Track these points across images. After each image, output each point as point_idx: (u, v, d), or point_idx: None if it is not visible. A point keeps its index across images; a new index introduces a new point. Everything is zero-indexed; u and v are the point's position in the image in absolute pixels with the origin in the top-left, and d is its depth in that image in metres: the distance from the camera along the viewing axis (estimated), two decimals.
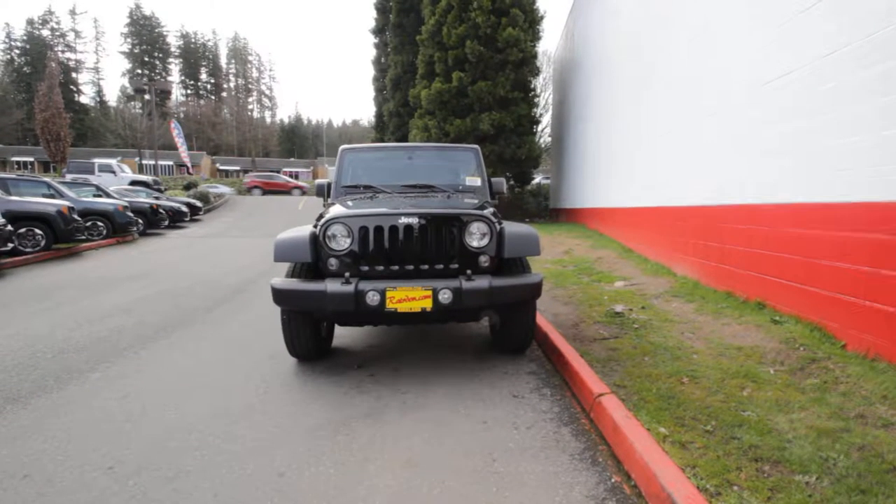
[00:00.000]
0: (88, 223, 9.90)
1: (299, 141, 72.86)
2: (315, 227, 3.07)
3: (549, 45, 35.97)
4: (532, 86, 13.90)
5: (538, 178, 19.64)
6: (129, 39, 61.39)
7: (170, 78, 62.76)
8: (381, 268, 2.95)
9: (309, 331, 3.10)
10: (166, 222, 13.41)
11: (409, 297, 2.75)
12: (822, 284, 3.11)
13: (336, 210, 3.21)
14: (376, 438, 2.23)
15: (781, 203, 3.60)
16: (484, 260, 3.02)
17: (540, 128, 16.37)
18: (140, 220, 11.66)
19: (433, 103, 13.57)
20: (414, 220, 2.95)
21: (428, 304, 2.76)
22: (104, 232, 10.17)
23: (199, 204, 17.52)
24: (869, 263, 2.72)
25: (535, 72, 13.79)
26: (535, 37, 13.51)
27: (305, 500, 1.77)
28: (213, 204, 20.57)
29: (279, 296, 2.83)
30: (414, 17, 16.45)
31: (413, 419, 2.43)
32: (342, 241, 2.95)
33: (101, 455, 2.09)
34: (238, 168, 54.32)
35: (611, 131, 9.06)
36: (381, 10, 20.24)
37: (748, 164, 4.17)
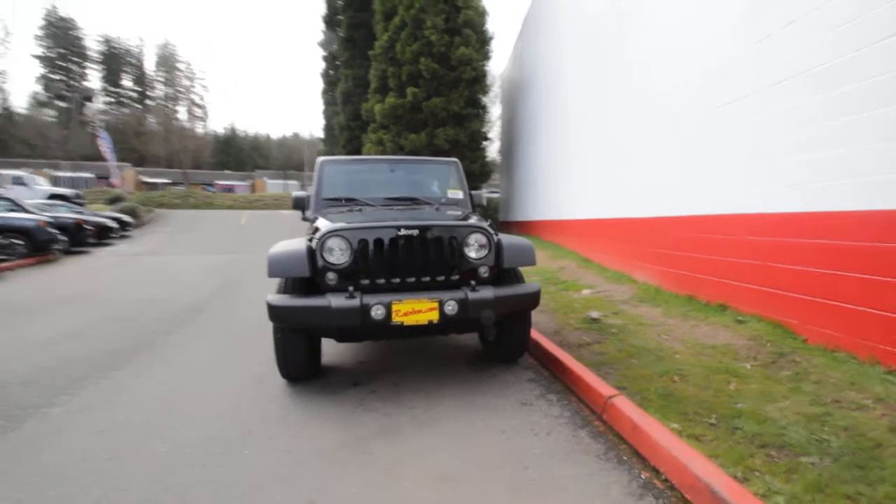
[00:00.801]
0: (3, 241, 8.81)
1: (234, 153, 69.59)
2: (310, 240, 2.97)
3: (495, 64, 37.30)
4: (483, 103, 14.30)
5: (484, 192, 20.05)
6: (43, 42, 55.92)
7: (88, 84, 57.77)
8: (383, 281, 2.89)
9: (304, 349, 2.97)
10: (92, 239, 12.23)
11: (416, 310, 2.72)
12: (782, 286, 3.46)
13: (327, 223, 3.12)
14: (400, 456, 2.17)
15: (740, 214, 3.98)
16: (483, 271, 3.05)
17: (490, 144, 16.81)
18: (64, 238, 10.54)
19: (387, 117, 13.57)
20: (414, 232, 2.94)
21: (434, 316, 2.74)
22: (22, 251, 9.08)
23: (127, 219, 16.17)
24: (829, 267, 3.07)
25: (486, 90, 14.21)
26: (486, 56, 13.98)
27: None
28: (143, 219, 19.07)
29: (277, 312, 2.68)
30: (365, 32, 16.46)
31: (430, 434, 2.39)
32: (341, 255, 2.86)
33: (93, 501, 1.86)
34: (167, 181, 50.77)
35: (566, 148, 9.54)
36: (330, 23, 20.06)
37: (708, 178, 4.57)
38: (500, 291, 2.89)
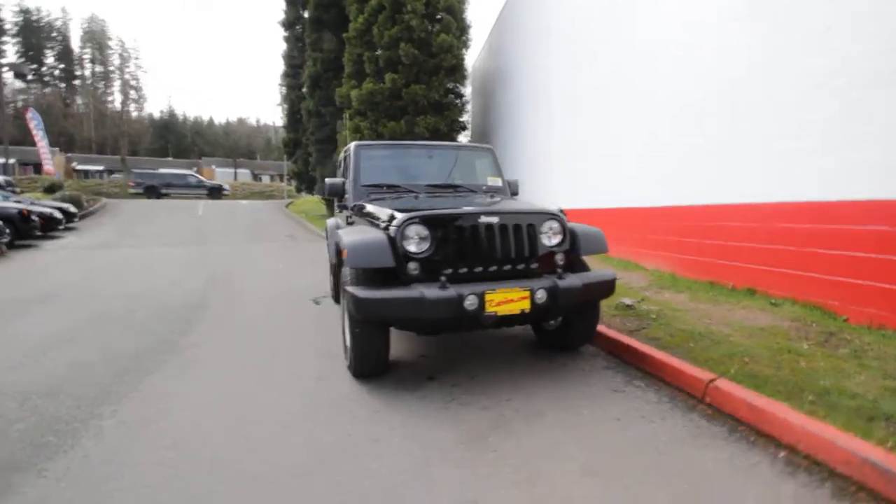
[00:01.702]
0: None
1: (175, 139, 65.07)
2: (385, 228, 2.78)
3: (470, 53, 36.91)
4: (462, 92, 14.16)
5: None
6: None
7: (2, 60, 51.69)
8: (465, 270, 2.77)
9: (382, 344, 2.79)
10: (38, 232, 11.01)
11: (508, 300, 2.63)
12: (818, 270, 3.67)
13: (388, 210, 2.94)
14: (526, 450, 2.09)
15: (770, 202, 4.16)
16: (560, 258, 3.00)
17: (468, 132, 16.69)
18: (7, 230, 9.40)
19: (364, 104, 13.11)
20: (495, 220, 2.84)
21: (526, 306, 2.66)
22: None
23: (73, 209, 14.71)
24: (869, 251, 3.27)
25: (465, 79, 14.08)
26: (465, 45, 13.82)
27: None
28: (87, 209, 17.44)
29: (366, 305, 2.49)
30: (336, 13, 15.75)
31: (543, 426, 2.32)
32: (421, 243, 2.71)
33: None
34: (101, 168, 46.73)
35: (552, 140, 9.62)
36: (293, 2, 19.01)
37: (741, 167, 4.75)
38: (586, 279, 2.86)
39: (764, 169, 4.25)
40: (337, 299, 4.99)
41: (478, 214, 2.84)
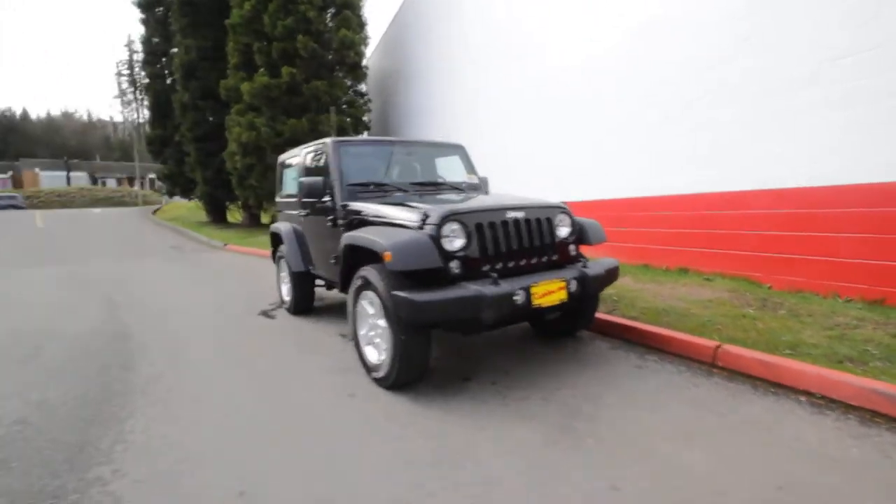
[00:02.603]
0: None
1: None
2: (420, 227, 2.64)
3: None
4: (364, 90, 13.80)
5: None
6: None
7: None
8: (501, 266, 2.77)
9: (428, 349, 2.65)
10: None
11: (549, 291, 2.70)
12: (743, 248, 4.44)
13: (417, 207, 2.82)
14: (620, 431, 2.19)
15: (697, 193, 4.89)
16: (573, 249, 3.17)
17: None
18: None
19: (258, 98, 12.01)
20: (521, 214, 2.89)
21: (564, 296, 2.77)
22: None
23: None
24: (786, 229, 4.07)
25: (366, 76, 13.73)
26: (364, 42, 13.48)
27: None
28: None
29: (423, 307, 2.35)
30: None
31: (611, 407, 2.44)
32: (457, 241, 2.64)
33: None
34: None
35: (495, 141, 9.94)
36: None
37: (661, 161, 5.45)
38: (605, 266, 3.06)
39: (691, 165, 4.99)
40: (299, 310, 4.55)
41: (505, 210, 2.86)
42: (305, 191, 3.54)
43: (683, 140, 5.05)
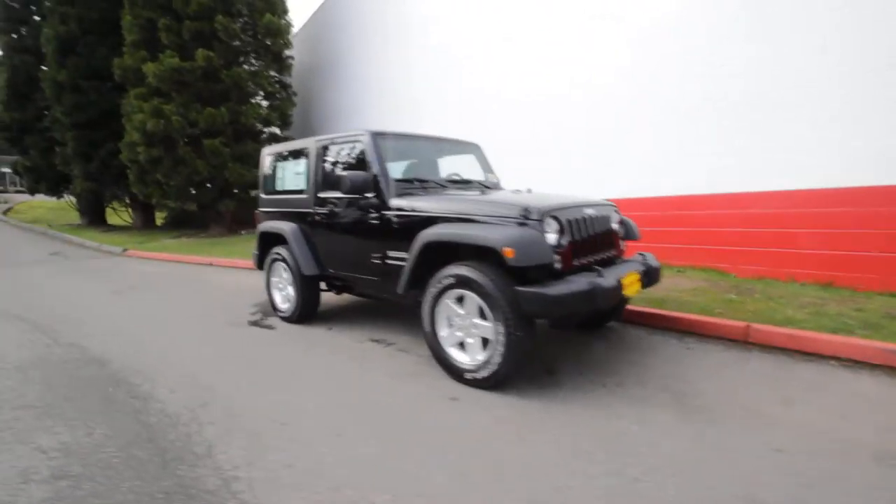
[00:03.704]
0: None
1: None
2: (522, 222, 2.64)
3: None
4: (289, 83, 12.85)
5: None
6: None
7: None
8: (585, 260, 2.89)
9: (533, 341, 2.65)
10: None
11: (632, 282, 2.89)
12: (711, 243, 5.14)
13: (513, 202, 2.82)
14: (724, 404, 2.44)
15: (671, 195, 5.53)
16: (623, 245, 3.41)
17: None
18: None
19: (167, 82, 10.52)
20: (592, 212, 3.05)
21: (639, 287, 2.99)
22: None
23: None
24: (748, 226, 4.82)
25: (291, 67, 12.81)
26: (288, 30, 12.57)
27: None
28: None
29: (558, 302, 2.39)
30: None
31: (697, 386, 2.69)
32: (555, 236, 2.71)
33: None
34: None
35: None
36: None
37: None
38: (654, 259, 3.35)
39: (666, 169, 5.62)
40: (303, 317, 4.17)
41: (582, 206, 2.99)
42: (349, 186, 3.27)
43: (640, 150, 5.68)
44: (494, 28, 7.70)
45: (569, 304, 2.43)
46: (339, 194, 3.72)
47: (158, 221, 16.30)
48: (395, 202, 3.25)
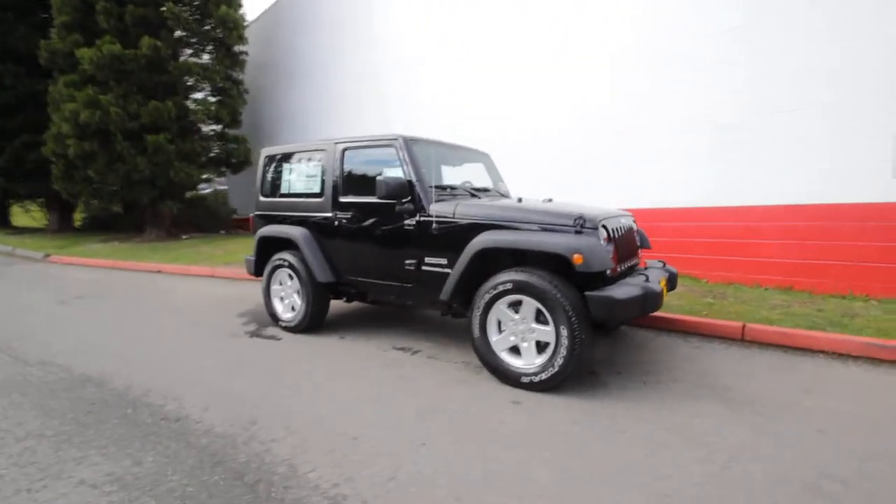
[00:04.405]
0: None
1: None
2: (578, 231, 2.76)
3: None
4: (241, 79, 12.13)
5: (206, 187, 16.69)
6: None
7: None
8: (623, 267, 3.07)
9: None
10: None
11: (662, 287, 3.12)
12: (683, 251, 5.63)
13: (562, 211, 2.94)
14: (787, 402, 2.70)
15: (645, 208, 5.97)
16: (640, 253, 3.66)
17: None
18: None
19: (105, 71, 9.52)
20: (624, 221, 3.26)
21: (666, 291, 3.22)
22: None
23: None
24: (714, 237, 5.35)
25: (245, 63, 12.12)
26: (243, 23, 11.89)
27: None
28: None
29: (626, 305, 2.56)
30: None
31: (744, 385, 2.94)
32: (606, 244, 2.86)
33: None
34: None
35: None
36: None
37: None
38: (672, 266, 3.62)
39: (644, 184, 6.07)
40: (311, 327, 3.99)
41: (618, 216, 3.19)
42: (385, 192, 3.21)
43: (619, 166, 6.13)
44: (470, 33, 7.89)
45: (633, 308, 2.59)
46: (363, 199, 3.63)
47: (76, 223, 14.58)
48: (435, 208, 3.24)
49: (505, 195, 4.13)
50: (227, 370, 3.25)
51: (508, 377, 2.84)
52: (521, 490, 1.85)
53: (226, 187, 16.58)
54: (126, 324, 4.57)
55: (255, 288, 6.32)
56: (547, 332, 2.70)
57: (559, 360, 2.63)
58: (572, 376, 2.73)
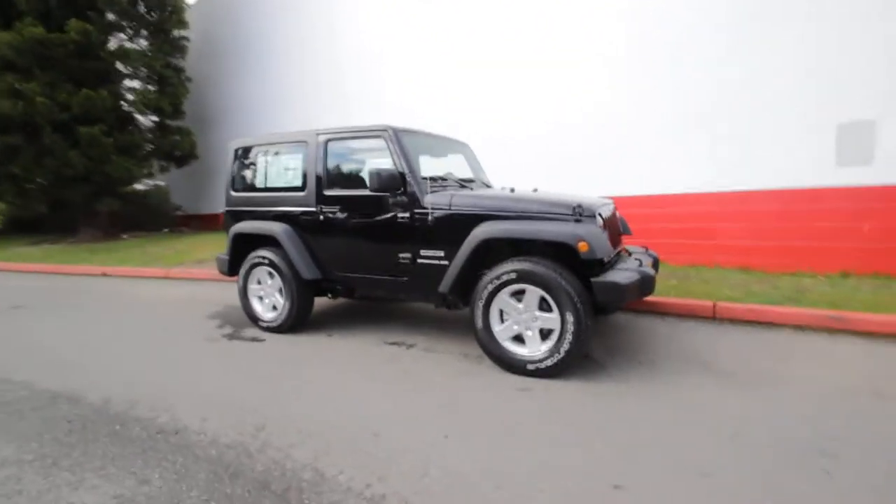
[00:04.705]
0: None
1: None
2: (577, 219, 2.83)
3: None
4: (183, 66, 11.30)
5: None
6: None
7: None
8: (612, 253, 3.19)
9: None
10: None
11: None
12: (646, 237, 5.92)
13: (559, 200, 3.01)
14: (774, 374, 2.92)
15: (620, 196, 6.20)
16: (622, 239, 3.81)
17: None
18: None
19: (27, 57, 8.56)
20: (612, 208, 3.38)
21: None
22: None
23: None
24: (678, 222, 5.67)
25: (186, 50, 11.30)
26: (184, 7, 11.06)
27: None
28: None
29: (629, 290, 2.68)
30: None
31: (731, 359, 3.14)
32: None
33: None
34: None
35: None
36: None
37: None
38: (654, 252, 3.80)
39: (607, 172, 6.30)
40: (295, 326, 3.84)
41: (606, 204, 3.30)
42: (381, 182, 3.13)
43: (584, 153, 6.35)
44: (440, 23, 7.82)
45: (634, 292, 2.70)
46: (351, 192, 3.52)
47: None
48: (430, 200, 3.20)
49: (488, 185, 4.16)
50: (215, 376, 3.06)
51: (513, 365, 2.87)
52: (558, 473, 1.88)
53: (164, 183, 15.49)
54: (85, 333, 4.19)
55: (217, 288, 6.00)
56: (551, 320, 2.76)
57: (565, 346, 2.70)
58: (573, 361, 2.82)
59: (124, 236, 10.80)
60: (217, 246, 8.72)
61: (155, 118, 10.92)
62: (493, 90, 7.19)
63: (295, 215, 3.77)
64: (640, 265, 2.99)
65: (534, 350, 2.84)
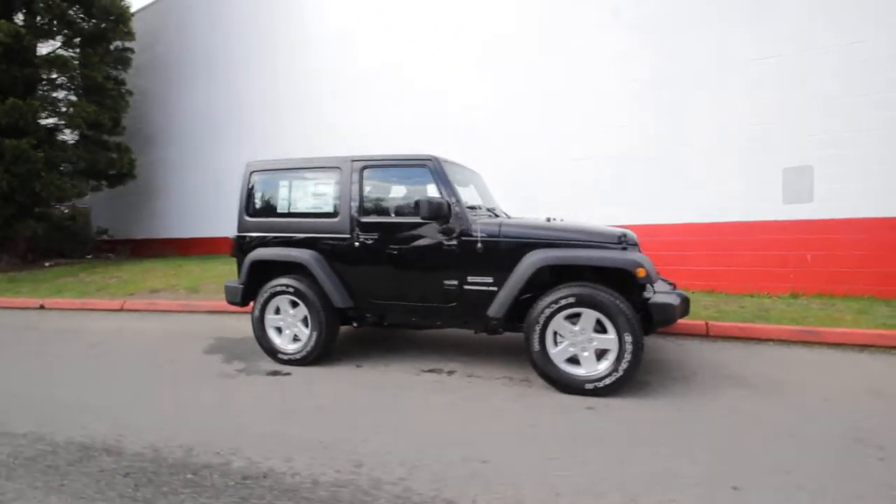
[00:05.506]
0: None
1: None
2: (624, 247, 3.09)
3: None
4: (125, 79, 10.40)
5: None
6: None
7: None
8: None
9: None
10: None
11: None
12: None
13: (602, 229, 3.28)
14: (785, 383, 3.30)
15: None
16: None
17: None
18: None
19: None
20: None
21: None
22: None
23: None
24: (719, 250, 6.27)
25: (130, 62, 10.43)
26: (130, 17, 10.25)
27: None
28: None
29: (679, 311, 2.94)
30: None
31: (742, 371, 3.52)
32: None
33: None
34: None
35: None
36: None
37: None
38: None
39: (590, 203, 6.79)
40: (320, 357, 3.70)
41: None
42: (429, 211, 3.19)
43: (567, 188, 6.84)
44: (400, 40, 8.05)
45: (680, 312, 2.99)
46: (392, 219, 3.54)
47: None
48: (478, 227, 3.31)
49: (506, 214, 4.34)
50: (258, 414, 2.86)
51: (570, 386, 3.01)
52: (679, 480, 2.02)
53: (85, 205, 13.92)
54: (71, 374, 3.67)
55: (193, 321, 5.55)
56: (608, 340, 2.95)
57: (624, 365, 2.90)
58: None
59: (47, 263, 9.49)
60: (164, 274, 8.02)
61: (88, 133, 9.90)
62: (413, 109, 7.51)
63: (324, 241, 3.67)
64: (675, 288, 3.32)
65: (591, 370, 3.01)
